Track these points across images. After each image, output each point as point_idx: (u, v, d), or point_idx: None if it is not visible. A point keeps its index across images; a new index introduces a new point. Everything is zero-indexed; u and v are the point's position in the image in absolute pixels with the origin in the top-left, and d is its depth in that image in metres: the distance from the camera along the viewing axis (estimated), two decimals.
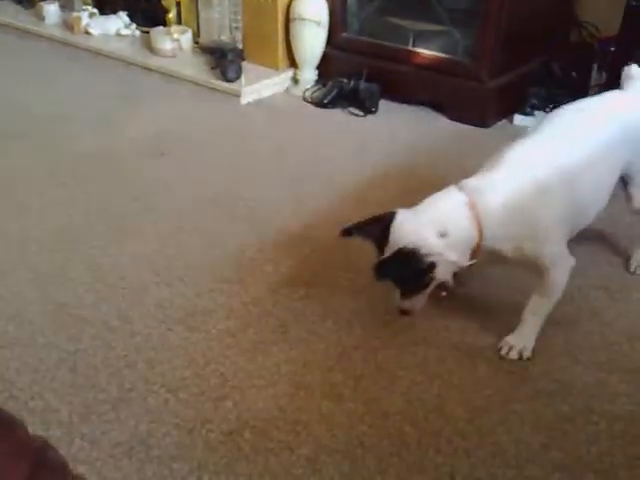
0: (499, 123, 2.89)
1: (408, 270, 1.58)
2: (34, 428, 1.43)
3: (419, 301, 1.66)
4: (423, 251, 1.53)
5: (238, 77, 3.15)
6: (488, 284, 1.94)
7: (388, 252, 1.56)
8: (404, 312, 1.68)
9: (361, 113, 2.98)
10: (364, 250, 1.79)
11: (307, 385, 1.60)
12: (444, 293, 1.80)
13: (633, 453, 1.44)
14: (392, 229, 1.57)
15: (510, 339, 1.71)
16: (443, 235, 1.55)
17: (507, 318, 1.80)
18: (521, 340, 1.70)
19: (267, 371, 1.64)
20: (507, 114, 2.91)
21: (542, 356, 1.69)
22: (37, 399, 1.55)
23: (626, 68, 1.92)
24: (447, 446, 1.45)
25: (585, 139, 1.73)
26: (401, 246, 1.54)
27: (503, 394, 1.58)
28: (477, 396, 1.58)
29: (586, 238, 2.11)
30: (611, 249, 2.10)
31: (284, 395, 1.57)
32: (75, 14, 3.83)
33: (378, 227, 1.60)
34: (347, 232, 1.63)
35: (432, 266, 1.56)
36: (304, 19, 3.08)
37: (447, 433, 1.48)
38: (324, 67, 3.22)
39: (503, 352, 1.70)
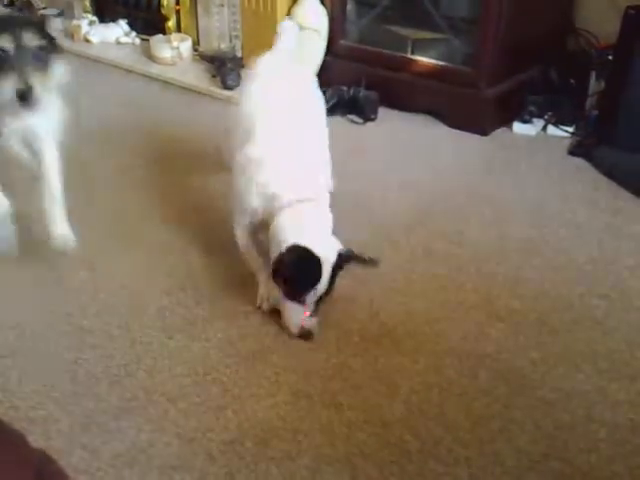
0: (498, 131, 2.90)
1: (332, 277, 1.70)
2: (35, 438, 1.42)
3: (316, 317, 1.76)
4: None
5: (237, 85, 3.16)
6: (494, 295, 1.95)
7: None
8: (308, 334, 1.74)
9: (360, 120, 2.98)
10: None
11: (307, 394, 1.60)
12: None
13: (634, 462, 1.44)
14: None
15: None
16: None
17: (508, 324, 1.81)
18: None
19: (267, 380, 1.64)
20: (506, 122, 2.91)
21: (542, 364, 1.69)
22: (38, 409, 1.55)
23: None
24: (447, 455, 1.45)
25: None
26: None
27: (503, 402, 1.58)
28: (477, 404, 1.58)
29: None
30: (610, 256, 2.10)
31: (284, 404, 1.57)
32: (75, 22, 3.85)
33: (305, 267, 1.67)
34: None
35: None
36: (303, 27, 3.09)
37: (447, 442, 1.48)
38: (323, 75, 3.22)
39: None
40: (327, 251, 1.68)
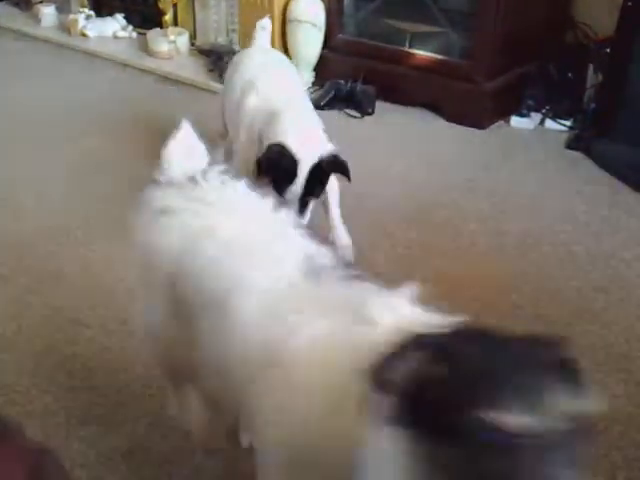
0: (496, 124, 2.89)
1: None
2: (32, 431, 1.41)
3: None
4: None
5: None
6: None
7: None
8: None
9: (358, 115, 2.98)
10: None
11: None
12: None
13: (632, 455, 1.44)
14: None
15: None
16: None
17: (506, 318, 1.81)
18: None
19: None
20: (504, 115, 2.91)
21: None
22: (35, 402, 1.55)
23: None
24: None
25: None
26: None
27: None
28: None
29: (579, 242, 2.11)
30: (608, 250, 2.10)
31: None
32: (72, 16, 3.83)
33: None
34: None
35: None
36: (301, 21, 3.08)
37: None
38: (321, 69, 3.23)
39: None
40: (305, 153, 1.74)
